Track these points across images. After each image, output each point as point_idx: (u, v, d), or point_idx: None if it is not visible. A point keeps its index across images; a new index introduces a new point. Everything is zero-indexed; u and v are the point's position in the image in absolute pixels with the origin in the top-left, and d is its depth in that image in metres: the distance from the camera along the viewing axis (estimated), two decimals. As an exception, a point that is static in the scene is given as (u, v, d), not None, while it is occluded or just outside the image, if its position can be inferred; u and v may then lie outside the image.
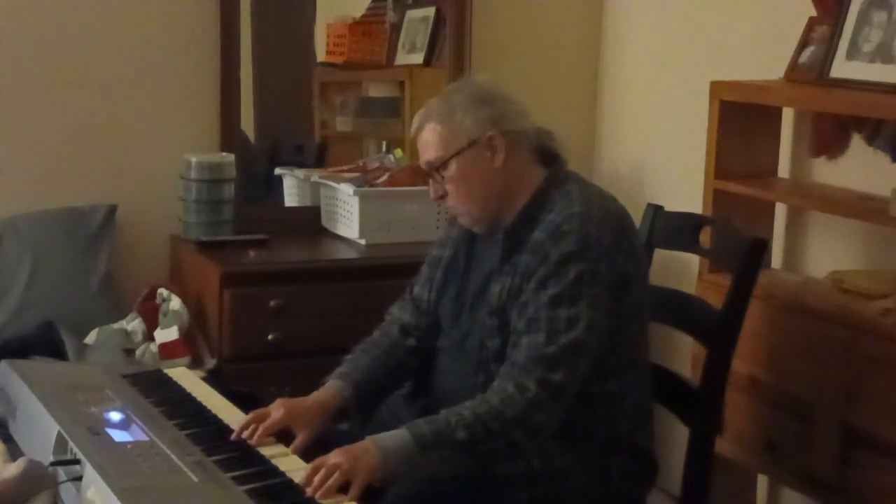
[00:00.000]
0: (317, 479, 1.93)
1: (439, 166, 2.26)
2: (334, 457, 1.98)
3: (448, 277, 2.40)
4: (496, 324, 2.22)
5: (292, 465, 2.03)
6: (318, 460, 2.00)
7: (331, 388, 2.32)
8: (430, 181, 2.30)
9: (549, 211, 2.22)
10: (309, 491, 1.92)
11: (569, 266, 2.14)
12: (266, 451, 2.10)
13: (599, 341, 2.15)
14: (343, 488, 1.94)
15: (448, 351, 2.38)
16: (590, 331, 2.12)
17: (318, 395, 2.29)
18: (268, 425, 2.16)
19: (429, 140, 2.26)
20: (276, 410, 2.20)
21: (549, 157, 2.31)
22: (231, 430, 2.18)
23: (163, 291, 3.15)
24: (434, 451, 2.03)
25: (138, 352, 3.05)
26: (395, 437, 2.04)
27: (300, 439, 2.16)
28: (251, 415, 2.20)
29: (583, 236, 2.15)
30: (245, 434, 2.15)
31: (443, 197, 2.29)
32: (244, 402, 2.35)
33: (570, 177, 2.30)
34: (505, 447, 2.09)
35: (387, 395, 2.41)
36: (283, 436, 2.17)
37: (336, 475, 1.93)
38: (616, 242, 2.18)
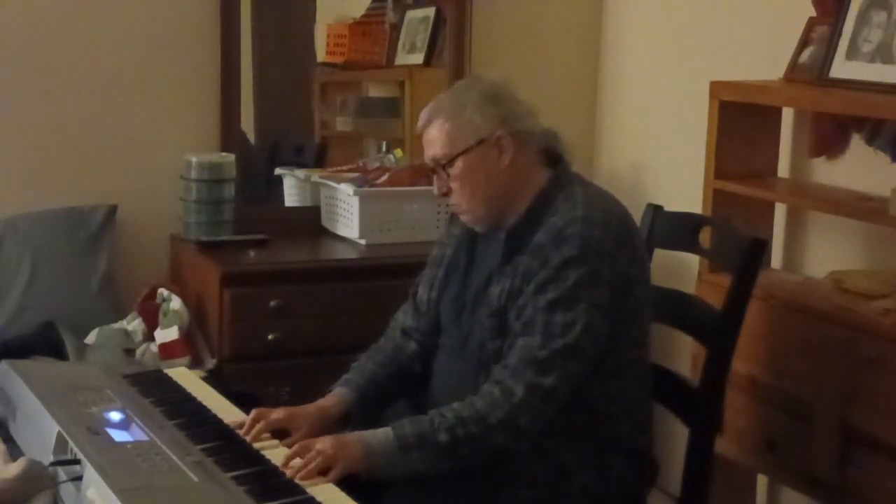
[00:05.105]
0: (299, 460, 1.99)
1: (445, 163, 2.25)
2: (320, 442, 2.04)
3: (449, 276, 2.40)
4: (496, 325, 2.22)
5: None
6: (303, 442, 2.06)
7: (334, 395, 2.34)
8: (435, 177, 2.30)
9: (552, 213, 2.22)
10: (289, 472, 1.97)
11: (569, 270, 2.14)
12: (261, 446, 2.12)
13: (597, 344, 2.16)
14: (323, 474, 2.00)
15: (448, 350, 2.38)
16: (585, 335, 2.12)
17: (320, 402, 2.32)
18: (267, 422, 2.19)
19: (436, 136, 2.25)
20: (277, 412, 2.23)
21: (553, 158, 2.31)
22: (231, 431, 2.18)
23: (163, 291, 3.15)
24: (415, 451, 2.07)
25: (138, 352, 3.05)
26: (379, 434, 2.08)
27: (294, 437, 2.18)
28: (254, 412, 2.22)
29: (585, 240, 2.15)
30: (244, 432, 2.17)
31: (446, 194, 2.29)
32: (244, 402, 2.35)
33: (574, 179, 2.30)
34: (488, 450, 2.11)
35: (392, 399, 2.42)
36: (281, 437, 2.19)
37: (319, 459, 1.99)
38: (618, 246, 2.18)
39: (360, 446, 2.05)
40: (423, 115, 2.29)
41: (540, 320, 2.13)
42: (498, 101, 2.25)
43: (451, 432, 2.08)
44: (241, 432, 2.17)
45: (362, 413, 2.34)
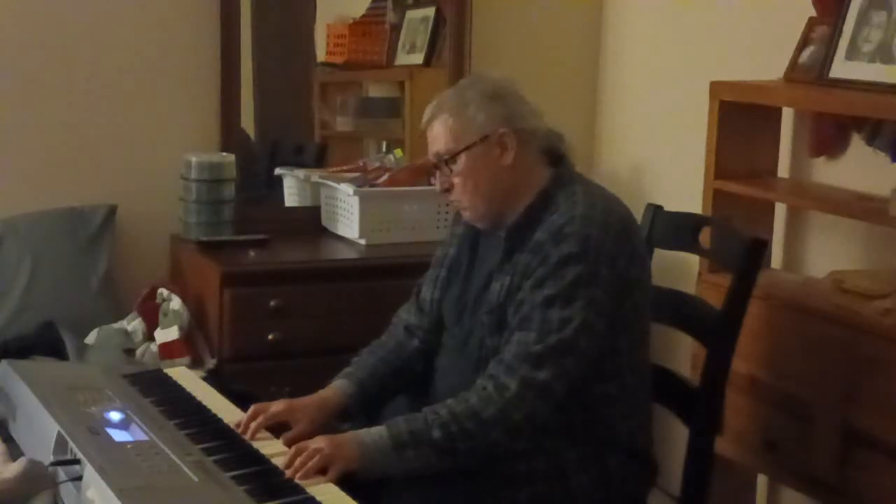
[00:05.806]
0: (298, 460, 1.99)
1: (448, 159, 2.26)
2: (316, 442, 2.04)
3: (451, 276, 2.40)
4: (495, 322, 2.23)
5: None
6: (300, 444, 2.05)
7: (333, 387, 2.35)
8: (438, 173, 2.30)
9: (552, 212, 2.22)
10: (289, 472, 1.97)
11: (567, 268, 2.14)
12: (260, 445, 2.12)
13: (595, 343, 2.15)
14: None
15: (450, 349, 2.38)
16: (581, 332, 2.12)
17: (319, 393, 2.33)
18: (266, 416, 2.20)
19: (440, 132, 2.27)
20: (277, 405, 2.24)
21: (556, 158, 2.31)
22: (231, 430, 2.18)
23: (163, 291, 3.15)
24: (410, 449, 2.06)
25: (138, 352, 3.05)
26: (373, 433, 2.08)
27: (294, 431, 2.19)
28: (252, 408, 2.22)
29: (584, 239, 2.15)
30: (243, 428, 2.18)
31: (448, 190, 2.30)
32: (244, 401, 2.35)
33: (576, 178, 2.31)
34: (484, 447, 2.10)
35: (392, 395, 2.42)
36: (281, 431, 2.20)
37: (316, 459, 1.99)
38: (618, 246, 2.18)
39: (355, 445, 2.06)
40: (427, 111, 2.30)
41: (537, 316, 2.14)
42: (502, 100, 2.26)
43: (444, 429, 2.07)
44: (239, 428, 2.18)
45: (361, 407, 2.34)
